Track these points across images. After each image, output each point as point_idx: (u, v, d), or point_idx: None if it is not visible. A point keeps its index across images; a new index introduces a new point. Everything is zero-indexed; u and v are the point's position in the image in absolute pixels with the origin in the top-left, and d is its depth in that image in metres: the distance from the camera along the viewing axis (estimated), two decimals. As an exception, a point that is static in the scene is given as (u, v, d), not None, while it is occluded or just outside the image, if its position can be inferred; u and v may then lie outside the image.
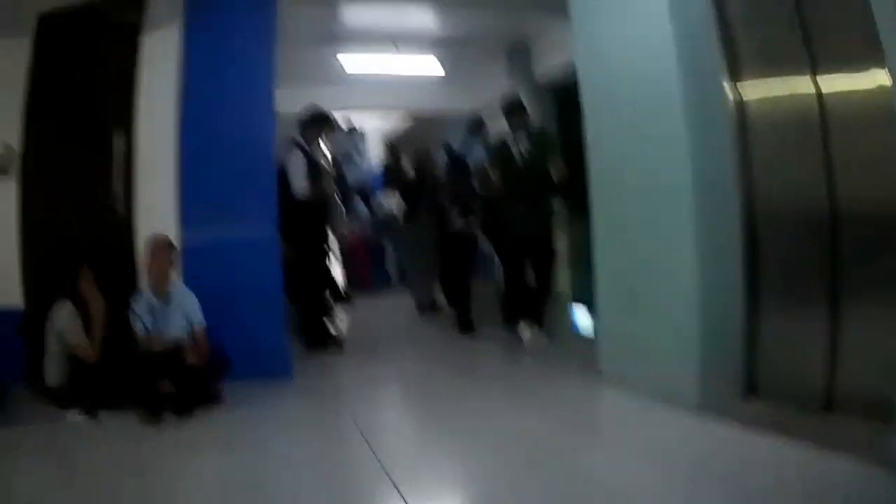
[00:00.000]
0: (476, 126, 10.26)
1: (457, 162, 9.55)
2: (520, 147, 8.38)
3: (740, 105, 5.08)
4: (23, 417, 6.00)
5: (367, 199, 14.37)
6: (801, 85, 4.71)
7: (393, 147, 14.88)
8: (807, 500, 3.70)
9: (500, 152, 8.62)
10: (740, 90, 5.09)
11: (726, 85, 5.07)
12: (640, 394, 5.53)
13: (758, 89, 5.05)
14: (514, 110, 8.64)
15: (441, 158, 10.10)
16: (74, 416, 5.89)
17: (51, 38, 7.23)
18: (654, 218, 5.44)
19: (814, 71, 4.62)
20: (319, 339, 8.55)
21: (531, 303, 8.29)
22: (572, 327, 8.65)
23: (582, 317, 8.49)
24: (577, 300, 9.04)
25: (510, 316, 8.53)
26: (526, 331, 8.02)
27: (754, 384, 5.02)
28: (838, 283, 4.56)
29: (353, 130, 14.93)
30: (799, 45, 4.67)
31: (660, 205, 5.37)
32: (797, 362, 4.83)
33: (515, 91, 11.16)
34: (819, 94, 4.60)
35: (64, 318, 6.22)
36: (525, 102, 8.94)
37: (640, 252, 5.66)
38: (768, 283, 5.02)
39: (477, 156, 9.57)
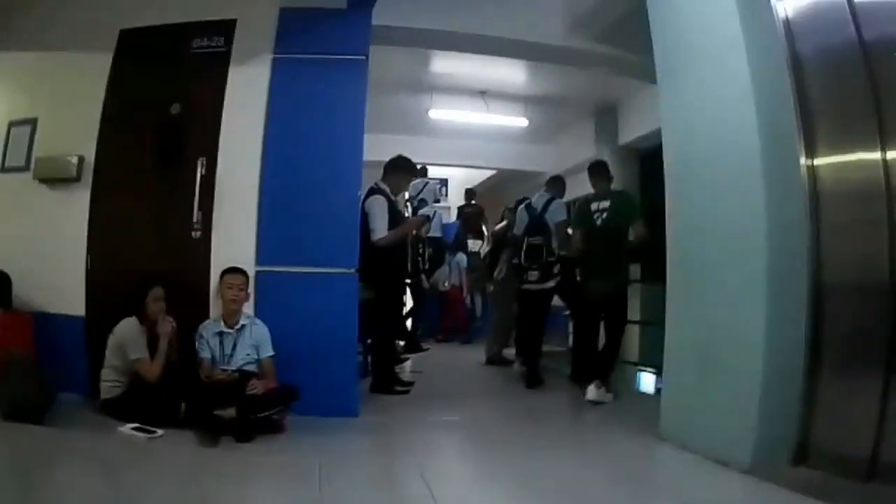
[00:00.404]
0: (554, 184, 10.18)
1: (536, 220, 9.55)
2: (601, 209, 8.35)
3: (813, 177, 5.07)
4: (74, 425, 5.99)
5: (461, 249, 14.43)
6: (870, 160, 4.71)
7: (471, 194, 15.07)
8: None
9: (582, 213, 8.61)
10: (815, 163, 5.09)
11: (802, 158, 5.07)
12: (696, 454, 5.46)
13: (830, 162, 5.03)
14: (599, 172, 8.68)
15: (521, 216, 10.01)
16: (128, 430, 5.85)
17: (132, 54, 7.40)
18: (727, 283, 5.39)
19: (883, 147, 4.63)
20: (387, 382, 8.46)
21: (600, 362, 8.18)
22: (638, 388, 8.61)
23: (648, 379, 8.45)
24: (646, 364, 9.00)
25: (578, 374, 8.52)
26: (592, 389, 7.84)
27: (805, 452, 4.98)
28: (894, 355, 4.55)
29: (434, 182, 15.07)
30: (871, 122, 4.68)
31: (733, 271, 5.32)
32: (847, 432, 4.77)
33: (601, 154, 11.25)
34: (886, 169, 4.60)
35: (127, 332, 6.30)
36: (609, 166, 8.94)
37: (711, 317, 5.58)
38: (828, 353, 4.97)
39: (557, 216, 9.54)
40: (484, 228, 14.60)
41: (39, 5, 7.74)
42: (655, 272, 6.98)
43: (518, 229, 9.76)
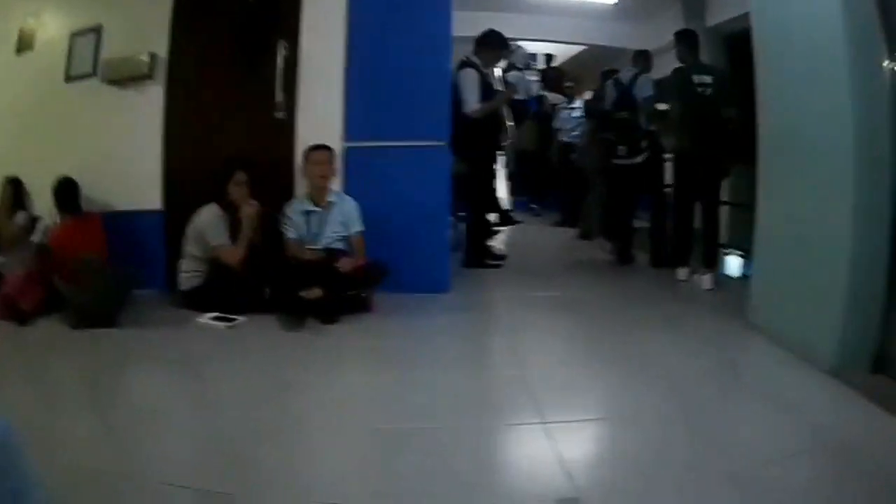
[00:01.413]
0: (641, 58, 9.97)
1: (625, 95, 9.35)
2: (704, 82, 7.84)
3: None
4: (150, 322, 6.00)
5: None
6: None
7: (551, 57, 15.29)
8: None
9: (684, 84, 7.93)
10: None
11: (886, 61, 4.90)
12: (781, 346, 5.42)
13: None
14: (689, 40, 8.29)
15: (609, 90, 9.82)
16: (206, 320, 5.90)
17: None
18: (817, 178, 5.28)
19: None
20: (479, 257, 8.51)
21: (709, 247, 7.98)
22: (723, 271, 8.51)
23: (734, 262, 8.33)
24: (732, 246, 8.89)
25: (675, 254, 8.26)
26: (708, 278, 7.68)
27: (884, 360, 4.89)
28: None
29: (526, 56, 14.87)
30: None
31: (822, 166, 5.19)
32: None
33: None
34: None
35: (208, 219, 6.30)
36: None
37: (801, 210, 5.47)
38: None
39: (644, 91, 9.33)
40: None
41: None
42: (744, 157, 6.85)
43: (607, 103, 9.56)
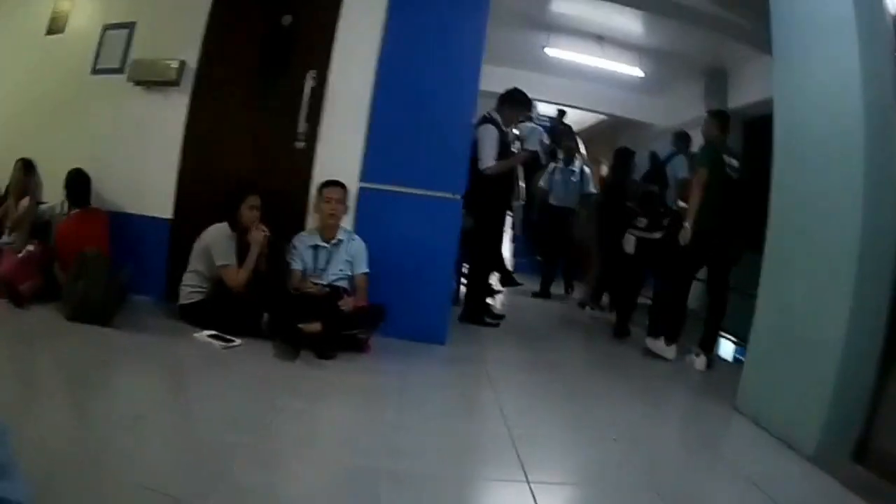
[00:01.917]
0: (682, 139, 10.01)
1: (658, 170, 9.34)
2: (733, 165, 7.81)
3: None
4: (147, 328, 6.06)
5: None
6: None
7: (562, 113, 14.84)
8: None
9: (715, 159, 7.78)
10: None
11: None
12: (766, 431, 5.47)
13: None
14: (725, 121, 8.13)
15: (643, 164, 9.87)
16: (204, 337, 5.91)
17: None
18: (819, 266, 5.34)
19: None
20: (478, 312, 8.47)
21: (709, 329, 7.86)
22: (717, 355, 8.51)
23: (727, 346, 8.35)
24: (727, 330, 8.90)
25: (669, 331, 8.02)
26: (702, 359, 7.59)
27: (865, 450, 4.92)
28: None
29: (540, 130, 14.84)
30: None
31: (826, 255, 5.26)
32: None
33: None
34: None
35: (217, 237, 6.35)
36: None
37: (800, 298, 5.52)
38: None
39: (680, 171, 9.38)
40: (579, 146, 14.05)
41: None
42: (751, 242, 6.89)
43: (637, 175, 9.66)
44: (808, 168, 5.63)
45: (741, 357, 6.82)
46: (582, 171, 12.17)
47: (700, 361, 7.60)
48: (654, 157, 9.60)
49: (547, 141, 12.95)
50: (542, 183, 12.29)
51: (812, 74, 5.67)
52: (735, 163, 7.81)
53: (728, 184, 7.69)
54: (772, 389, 5.65)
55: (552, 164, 12.41)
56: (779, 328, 5.76)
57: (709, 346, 7.77)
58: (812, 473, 4.75)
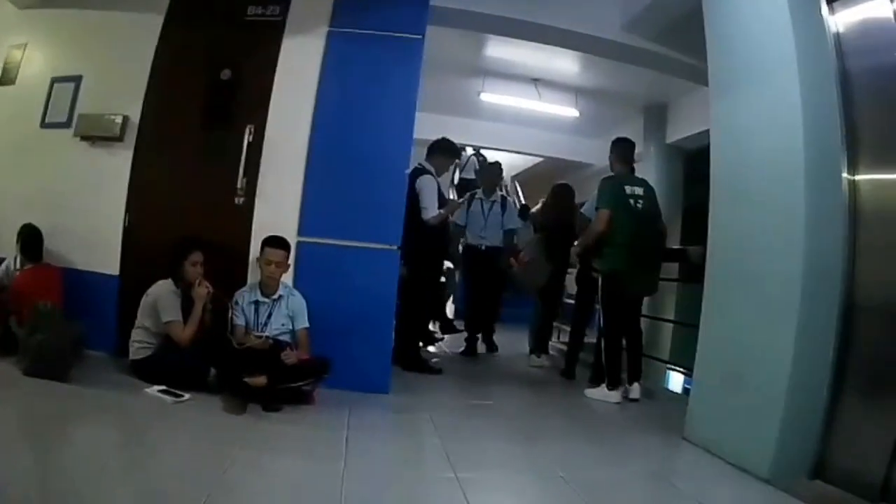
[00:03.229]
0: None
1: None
2: (636, 194, 7.87)
3: (854, 196, 5.08)
4: (99, 383, 6.04)
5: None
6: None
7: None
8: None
9: (616, 193, 7.86)
10: (857, 181, 5.09)
11: (844, 173, 5.09)
12: (718, 459, 5.54)
13: (872, 180, 5.06)
14: (627, 149, 8.36)
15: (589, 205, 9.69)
16: (154, 392, 5.90)
17: (184, 16, 7.48)
18: (761, 295, 5.42)
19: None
20: (418, 363, 8.47)
21: (634, 357, 7.98)
22: (665, 386, 8.58)
23: (676, 378, 8.42)
24: (675, 363, 8.97)
25: (609, 374, 7.90)
26: (637, 387, 7.79)
27: (822, 467, 5.03)
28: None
29: (474, 156, 14.82)
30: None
31: (768, 284, 5.35)
32: (863, 453, 4.82)
33: (647, 150, 11.20)
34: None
35: (162, 294, 6.40)
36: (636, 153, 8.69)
37: (743, 326, 5.62)
38: (853, 374, 5.01)
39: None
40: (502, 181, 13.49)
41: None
42: (690, 272, 6.97)
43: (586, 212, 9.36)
44: (745, 199, 5.77)
45: (690, 387, 6.85)
46: (504, 202, 10.80)
47: (634, 390, 7.78)
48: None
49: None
50: (459, 219, 10.38)
51: (748, 104, 5.83)
52: (639, 191, 7.89)
53: (636, 217, 7.77)
54: (721, 416, 5.75)
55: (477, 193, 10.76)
56: (724, 356, 5.88)
57: (637, 375, 7.92)
58: (769, 493, 4.86)
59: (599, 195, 8.05)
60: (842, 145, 5.10)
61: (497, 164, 11.71)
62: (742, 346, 5.62)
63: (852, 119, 5.13)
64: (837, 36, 5.27)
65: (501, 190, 12.20)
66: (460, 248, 11.05)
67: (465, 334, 10.64)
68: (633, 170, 8.24)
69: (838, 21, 5.27)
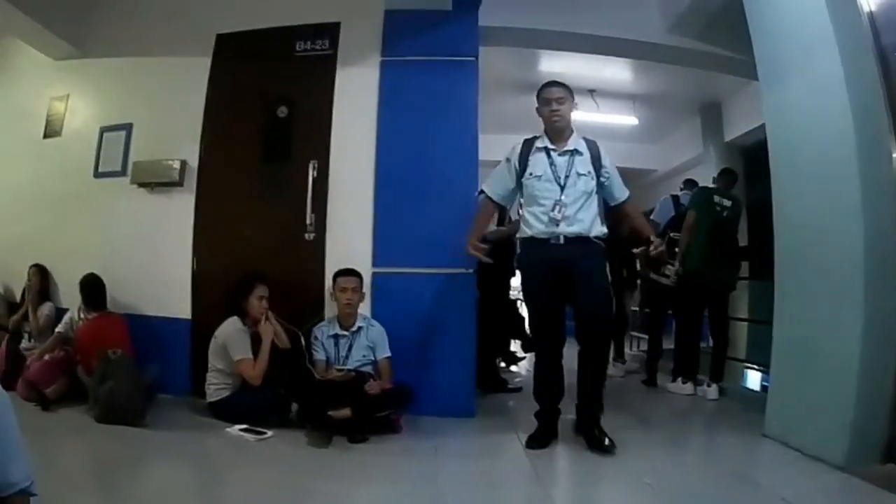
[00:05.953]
0: (692, 184, 9.99)
1: (681, 216, 9.28)
2: (724, 205, 8.38)
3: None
4: (178, 426, 6.07)
5: None
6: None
7: None
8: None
9: (705, 202, 8.48)
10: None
11: (894, 153, 5.09)
12: (795, 451, 5.54)
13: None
14: (730, 177, 8.73)
15: (664, 208, 9.87)
16: (236, 431, 5.88)
17: (230, 58, 7.58)
18: (826, 282, 5.42)
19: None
20: (497, 383, 8.46)
21: (717, 361, 8.18)
22: (744, 385, 8.52)
23: (754, 377, 8.36)
24: (753, 361, 8.90)
25: (688, 370, 8.36)
26: (714, 389, 7.92)
27: (894, 451, 5.03)
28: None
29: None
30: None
31: (833, 270, 5.34)
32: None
33: (707, 150, 11.11)
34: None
35: (228, 333, 6.37)
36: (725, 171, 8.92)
37: (814, 315, 5.59)
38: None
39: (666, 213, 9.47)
40: None
41: (129, 13, 8.08)
42: (763, 270, 6.95)
43: (658, 218, 9.62)
44: (805, 189, 5.76)
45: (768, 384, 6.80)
46: None
47: (712, 391, 7.92)
48: (677, 202, 9.55)
49: None
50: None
51: (797, 93, 5.80)
52: (727, 203, 8.36)
53: (719, 222, 8.22)
54: (797, 409, 5.73)
55: None
56: (797, 349, 5.84)
57: (717, 376, 8.07)
58: (844, 480, 4.87)
59: (690, 200, 8.92)
60: (888, 121, 5.10)
61: None
62: (813, 336, 5.59)
63: (894, 94, 5.13)
64: (871, 14, 5.26)
65: None
66: None
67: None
68: (730, 189, 8.67)
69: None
